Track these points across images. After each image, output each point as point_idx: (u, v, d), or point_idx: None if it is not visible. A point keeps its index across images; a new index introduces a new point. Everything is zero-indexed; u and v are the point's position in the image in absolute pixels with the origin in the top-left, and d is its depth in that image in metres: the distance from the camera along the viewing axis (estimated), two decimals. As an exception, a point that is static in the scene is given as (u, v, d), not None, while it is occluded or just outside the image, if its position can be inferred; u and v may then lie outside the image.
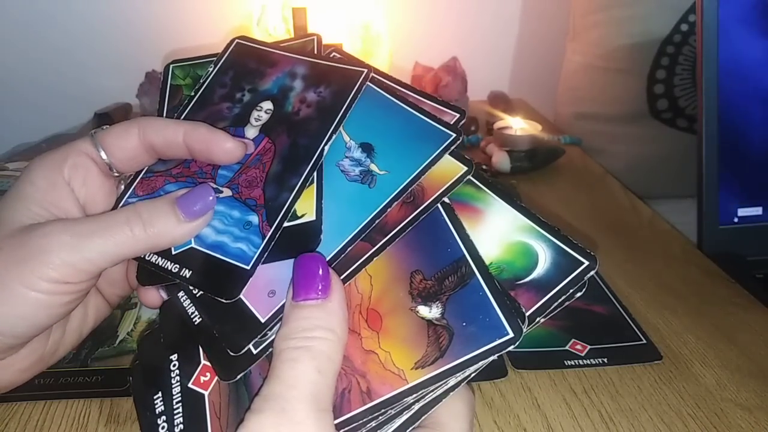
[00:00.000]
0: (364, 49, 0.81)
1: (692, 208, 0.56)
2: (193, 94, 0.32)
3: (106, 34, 0.98)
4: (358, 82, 0.29)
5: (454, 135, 0.27)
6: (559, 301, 0.23)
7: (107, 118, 0.85)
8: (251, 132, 0.30)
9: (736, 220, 0.56)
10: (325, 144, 0.27)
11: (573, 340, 0.41)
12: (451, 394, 0.23)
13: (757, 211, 0.56)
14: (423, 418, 0.23)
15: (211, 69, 0.33)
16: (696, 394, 0.37)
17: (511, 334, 0.22)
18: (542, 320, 0.23)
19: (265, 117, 0.30)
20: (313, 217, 0.26)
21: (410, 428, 0.23)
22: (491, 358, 0.22)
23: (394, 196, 0.25)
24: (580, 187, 0.69)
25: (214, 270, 0.26)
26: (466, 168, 0.26)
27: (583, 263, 0.24)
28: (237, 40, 0.34)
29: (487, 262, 0.24)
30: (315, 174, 0.27)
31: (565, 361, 0.39)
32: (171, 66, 0.34)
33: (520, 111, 0.82)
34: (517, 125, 0.74)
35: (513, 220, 0.25)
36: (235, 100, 0.31)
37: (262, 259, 0.26)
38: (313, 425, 0.20)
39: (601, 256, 0.51)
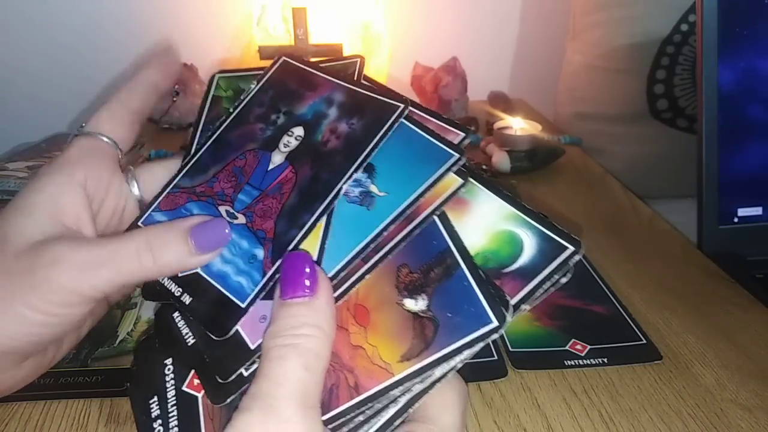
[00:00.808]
0: (364, 49, 0.81)
1: (692, 208, 0.56)
2: (231, 110, 0.31)
3: (106, 33, 0.98)
4: (392, 119, 0.27)
5: (458, 156, 0.26)
6: (545, 287, 0.23)
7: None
8: (278, 158, 0.29)
9: (736, 220, 0.56)
10: (344, 183, 0.26)
11: (573, 340, 0.41)
12: (441, 385, 0.23)
13: (757, 211, 0.56)
14: (412, 410, 0.23)
15: (253, 86, 0.32)
16: (696, 394, 0.37)
17: (495, 323, 0.22)
18: (528, 308, 0.23)
19: (294, 143, 0.29)
20: (314, 258, 0.25)
21: (398, 421, 0.23)
22: (477, 348, 0.22)
23: (391, 221, 0.25)
24: (580, 187, 0.69)
25: (212, 301, 0.26)
26: (462, 181, 0.26)
27: (568, 248, 0.24)
28: (283, 59, 0.33)
29: (472, 253, 0.24)
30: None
31: (565, 361, 0.39)
32: (217, 76, 0.34)
33: (520, 111, 0.82)
34: (517, 125, 0.74)
35: (498, 209, 0.25)
36: (269, 121, 0.30)
37: (259, 298, 0.25)
38: (301, 422, 0.20)
39: (600, 256, 0.51)
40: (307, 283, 0.23)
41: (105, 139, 0.29)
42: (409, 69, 0.91)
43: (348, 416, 0.22)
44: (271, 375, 0.21)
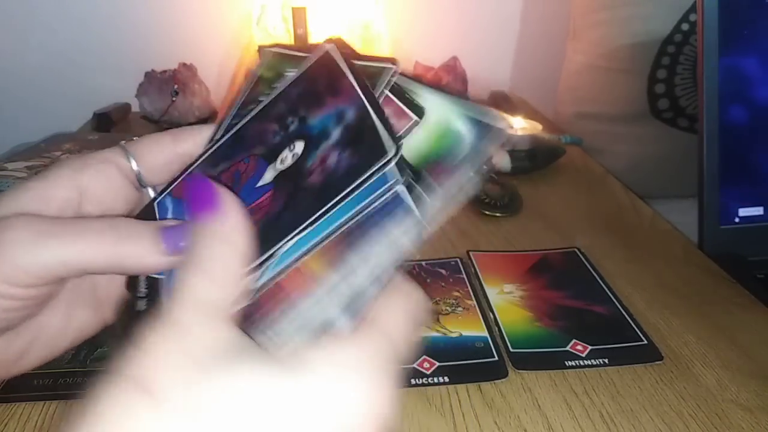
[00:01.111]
0: (364, 49, 0.81)
1: (693, 208, 0.56)
2: (261, 99, 0.29)
3: (106, 34, 0.98)
4: (375, 167, 0.22)
5: (389, 158, 0.22)
6: (479, 164, 0.23)
7: (107, 117, 0.85)
8: (269, 174, 0.26)
9: (737, 220, 0.56)
10: (289, 239, 0.23)
11: (574, 340, 0.41)
12: (388, 293, 0.22)
13: (758, 211, 0.56)
14: (348, 316, 0.22)
15: (290, 75, 0.29)
16: (697, 395, 0.37)
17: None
18: (469, 185, 0.23)
19: (289, 162, 0.25)
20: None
21: (330, 326, 0.22)
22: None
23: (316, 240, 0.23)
24: (581, 186, 0.69)
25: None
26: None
27: (494, 126, 0.23)
28: (327, 49, 0.28)
29: (418, 158, 0.24)
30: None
31: (566, 362, 0.39)
32: (267, 51, 0.31)
33: (520, 110, 0.82)
34: (518, 125, 0.74)
35: (439, 109, 0.25)
36: (284, 124, 0.27)
37: None
38: (207, 332, 0.20)
39: (601, 256, 0.51)
40: (208, 199, 0.22)
41: (128, 157, 0.29)
42: (409, 69, 0.90)
43: (278, 326, 0.22)
44: (176, 296, 0.20)
